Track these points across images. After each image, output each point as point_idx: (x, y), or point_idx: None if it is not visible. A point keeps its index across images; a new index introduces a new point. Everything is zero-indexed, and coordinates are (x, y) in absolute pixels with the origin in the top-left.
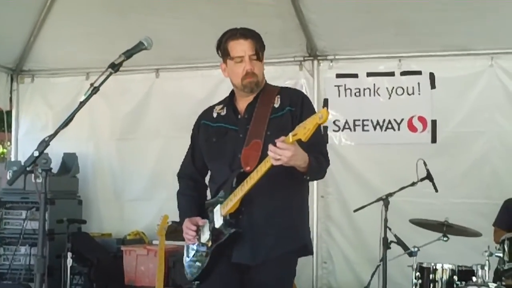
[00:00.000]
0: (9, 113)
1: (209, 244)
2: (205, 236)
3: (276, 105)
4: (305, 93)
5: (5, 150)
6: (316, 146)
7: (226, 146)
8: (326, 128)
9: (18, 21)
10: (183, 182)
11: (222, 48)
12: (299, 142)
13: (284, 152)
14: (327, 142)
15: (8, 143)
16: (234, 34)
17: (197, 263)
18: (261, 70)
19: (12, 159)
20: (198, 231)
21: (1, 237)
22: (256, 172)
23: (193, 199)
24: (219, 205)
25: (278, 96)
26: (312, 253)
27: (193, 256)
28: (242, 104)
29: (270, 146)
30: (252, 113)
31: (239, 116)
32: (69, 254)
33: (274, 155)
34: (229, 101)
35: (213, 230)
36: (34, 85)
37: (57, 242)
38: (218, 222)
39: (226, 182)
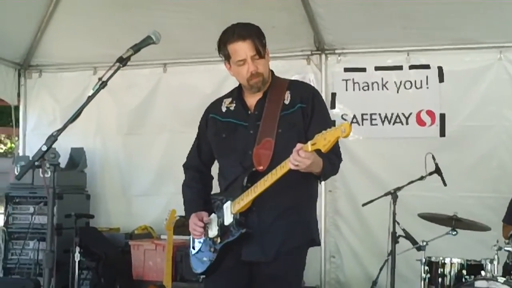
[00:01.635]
0: (17, 108)
1: (218, 240)
2: (213, 231)
3: (287, 102)
4: None
5: (13, 145)
6: None
7: (237, 142)
8: (334, 122)
9: (25, 16)
10: (189, 173)
11: (223, 51)
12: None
13: (304, 160)
14: None
15: (16, 138)
16: (232, 36)
17: (204, 258)
18: (265, 66)
19: (20, 154)
20: (205, 226)
21: (10, 232)
22: (271, 175)
23: (198, 191)
24: (229, 202)
25: (288, 91)
26: (319, 244)
27: (199, 250)
28: (251, 99)
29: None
30: (262, 110)
31: (249, 112)
32: (77, 249)
33: (293, 161)
34: (238, 95)
35: (221, 226)
36: (41, 80)
37: (65, 236)
38: (228, 219)
39: (237, 180)
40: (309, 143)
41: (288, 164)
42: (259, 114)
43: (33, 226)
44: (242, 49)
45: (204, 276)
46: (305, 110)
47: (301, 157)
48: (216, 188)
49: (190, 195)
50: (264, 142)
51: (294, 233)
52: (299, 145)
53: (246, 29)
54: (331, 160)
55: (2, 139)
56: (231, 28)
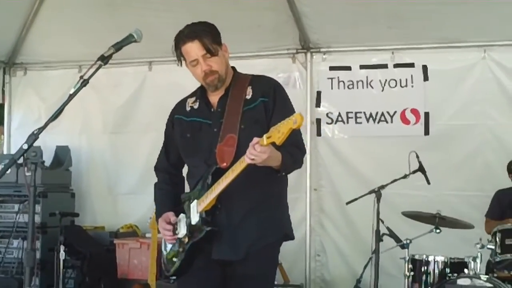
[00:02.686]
0: (1, 106)
1: (186, 240)
2: (182, 231)
3: (248, 97)
4: (297, 85)
5: None
6: (291, 137)
7: (201, 141)
8: (319, 120)
9: (10, 13)
10: (160, 175)
11: (177, 54)
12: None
13: (260, 154)
14: (320, 135)
15: (2, 136)
16: (181, 39)
17: (174, 258)
18: (220, 64)
19: (5, 153)
20: (175, 226)
21: None
22: (232, 171)
23: (167, 192)
24: (195, 201)
25: (250, 86)
26: (293, 239)
27: (170, 251)
28: (214, 97)
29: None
30: (224, 107)
31: (212, 110)
32: (62, 247)
33: (249, 155)
34: (201, 93)
35: (189, 226)
36: (26, 78)
37: (50, 235)
38: (195, 218)
39: (202, 178)
40: (265, 136)
41: (246, 159)
42: (222, 111)
43: (17, 225)
44: (192, 49)
45: (175, 277)
46: (267, 104)
47: (257, 151)
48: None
49: (159, 198)
50: (227, 139)
51: (266, 231)
52: (255, 139)
53: (195, 29)
54: (293, 153)
55: None
56: (182, 30)
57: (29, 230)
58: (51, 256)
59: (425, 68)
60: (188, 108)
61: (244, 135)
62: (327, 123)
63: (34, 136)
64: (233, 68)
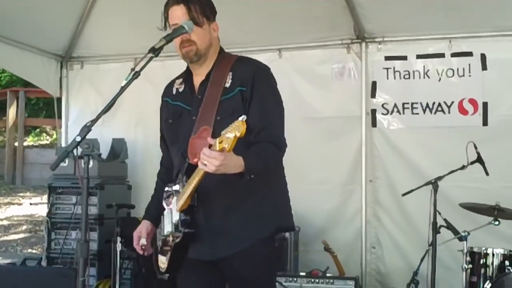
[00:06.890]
0: (59, 99)
1: (170, 239)
2: (167, 228)
3: (227, 85)
4: (352, 75)
5: (57, 137)
6: (265, 131)
7: (180, 129)
8: (374, 111)
9: (66, 7)
10: (160, 167)
11: (165, 18)
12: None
13: (209, 160)
14: (375, 126)
15: (59, 130)
16: (169, 2)
17: (162, 257)
18: (202, 36)
19: (63, 145)
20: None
21: (53, 222)
22: (196, 173)
23: (158, 188)
24: (175, 198)
25: (231, 72)
26: (293, 229)
27: (160, 249)
28: (196, 80)
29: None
30: (204, 93)
31: (194, 95)
32: (118, 239)
33: (201, 160)
34: (187, 75)
35: (173, 224)
36: (83, 71)
37: (107, 227)
38: (175, 217)
39: (178, 173)
40: (217, 140)
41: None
42: (201, 98)
43: (75, 216)
44: (176, 13)
45: (167, 275)
46: (244, 94)
47: (206, 156)
48: None
49: (152, 196)
50: (201, 131)
51: (252, 227)
52: (210, 141)
53: None
54: (263, 152)
55: (48, 130)
56: None
57: (82, 221)
58: (108, 247)
59: (483, 57)
60: (174, 91)
61: (220, 128)
62: (383, 114)
63: (87, 128)
64: (221, 49)
